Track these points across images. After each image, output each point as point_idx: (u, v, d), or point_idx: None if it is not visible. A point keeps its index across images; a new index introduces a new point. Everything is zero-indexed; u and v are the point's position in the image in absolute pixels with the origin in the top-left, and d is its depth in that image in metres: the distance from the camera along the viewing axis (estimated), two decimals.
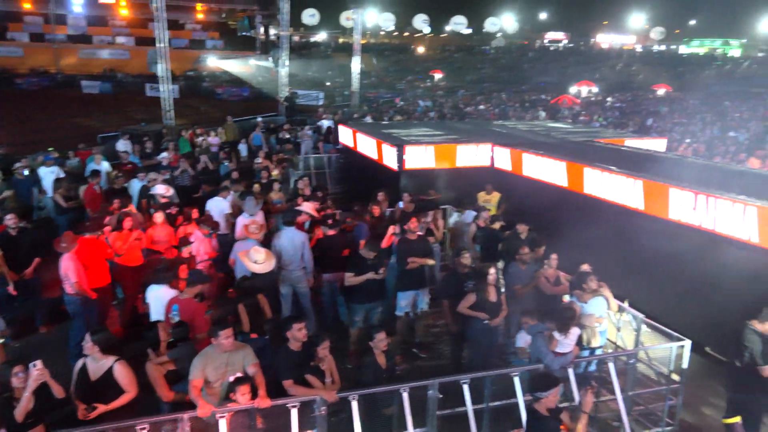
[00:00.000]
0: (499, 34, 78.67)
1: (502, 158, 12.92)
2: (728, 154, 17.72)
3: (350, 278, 7.73)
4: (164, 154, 14.93)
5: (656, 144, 14.88)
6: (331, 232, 8.81)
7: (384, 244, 8.72)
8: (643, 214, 9.08)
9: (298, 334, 5.62)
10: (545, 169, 11.57)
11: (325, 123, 22.72)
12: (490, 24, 76.35)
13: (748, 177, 10.30)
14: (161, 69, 23.37)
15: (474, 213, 10.11)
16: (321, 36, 73.45)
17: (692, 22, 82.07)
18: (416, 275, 8.25)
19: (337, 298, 8.88)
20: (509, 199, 11.74)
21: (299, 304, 8.49)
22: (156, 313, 6.80)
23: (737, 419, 5.77)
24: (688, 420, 6.85)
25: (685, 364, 6.52)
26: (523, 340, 6.62)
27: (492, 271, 7.31)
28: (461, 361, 7.64)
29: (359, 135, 15.80)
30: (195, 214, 9.87)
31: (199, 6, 56.86)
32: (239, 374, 5.29)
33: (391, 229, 8.84)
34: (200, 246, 8.89)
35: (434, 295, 8.79)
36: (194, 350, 5.76)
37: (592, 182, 10.40)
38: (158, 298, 6.84)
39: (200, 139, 19.15)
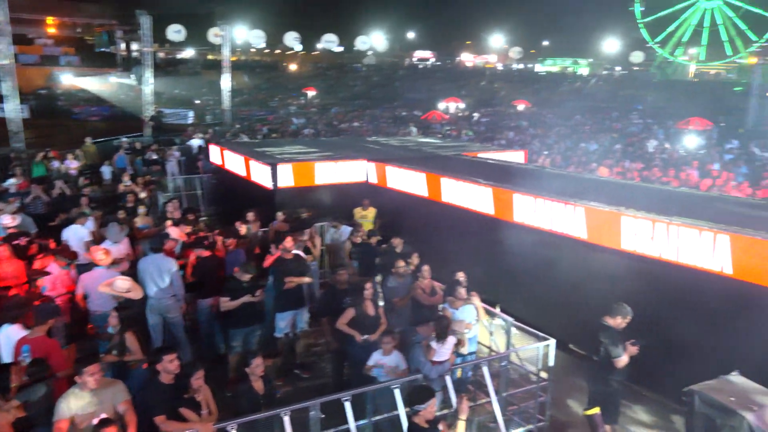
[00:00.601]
0: (370, 52, 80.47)
1: (372, 173, 13.25)
2: (581, 164, 19.30)
3: (226, 303, 7.50)
4: (11, 180, 13.68)
5: (517, 156, 15.91)
6: (205, 253, 8.55)
7: (266, 263, 8.58)
8: (512, 223, 9.64)
9: (169, 366, 5.34)
10: (408, 181, 12.11)
11: (196, 142, 21.98)
12: (361, 42, 77.87)
13: (597, 184, 11.31)
14: (5, 87, 21.41)
15: (350, 229, 10.24)
16: (188, 52, 71.04)
17: (546, 43, 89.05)
18: (294, 295, 8.16)
19: (215, 323, 8.56)
20: (385, 214, 12.02)
21: (171, 334, 8.08)
22: (6, 355, 6.18)
23: (596, 410, 6.22)
24: (557, 415, 7.31)
25: (551, 362, 6.95)
26: (374, 359, 6.57)
27: (369, 285, 7.40)
28: (343, 378, 7.63)
29: (230, 154, 15.46)
30: (51, 244, 9.12)
31: (50, 20, 52.94)
32: (104, 415, 4.92)
33: (274, 250, 8.69)
34: (57, 279, 8.19)
35: (314, 314, 8.76)
36: (49, 391, 5.29)
37: (449, 191, 11.05)
38: (7, 338, 6.22)
39: (54, 163, 17.74)
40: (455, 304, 7.22)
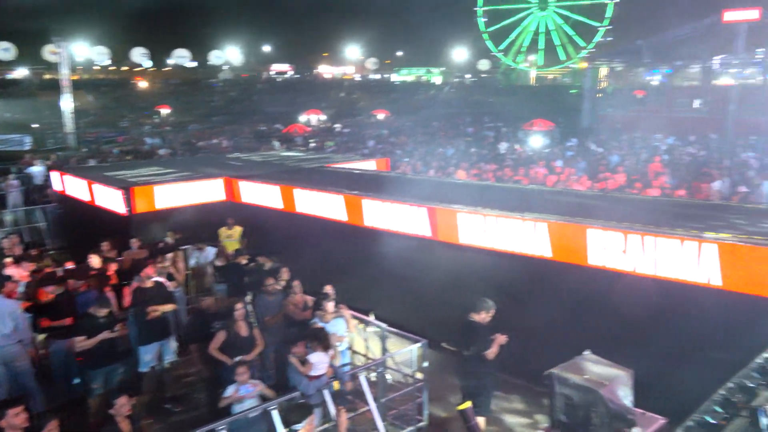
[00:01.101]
0: (225, 67, 78.65)
1: (228, 190, 12.99)
2: (440, 169, 20.15)
3: (81, 342, 6.92)
4: None
5: (380, 164, 16.28)
6: (50, 289, 7.84)
7: (125, 297, 8.03)
8: (375, 230, 9.86)
9: (15, 420, 4.81)
10: (265, 195, 12.05)
11: (37, 170, 20.13)
12: (215, 57, 76.12)
13: (457, 186, 11.87)
14: None
15: (214, 250, 9.91)
16: (21, 72, 65.02)
17: (400, 53, 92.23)
18: (158, 325, 7.72)
19: (72, 365, 7.85)
20: (252, 231, 11.75)
21: (19, 384, 7.29)
22: None
23: (468, 404, 6.47)
24: (436, 413, 7.53)
25: (425, 363, 7.16)
26: (229, 392, 6.28)
27: (239, 306, 7.19)
28: (219, 407, 7.31)
29: (72, 180, 14.33)
30: None
31: None
32: None
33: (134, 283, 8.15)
34: None
35: (182, 342, 8.33)
36: None
37: (304, 202, 11.22)
38: None
39: None
40: (325, 318, 7.22)
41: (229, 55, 76.91)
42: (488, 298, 6.61)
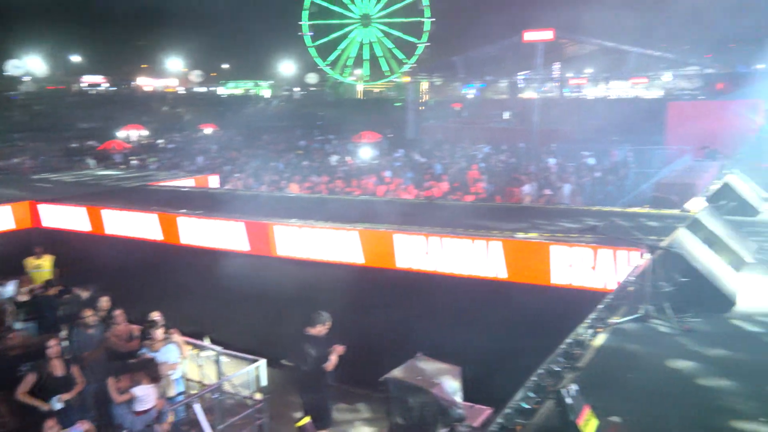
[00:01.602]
0: (26, 78, 70.92)
1: (36, 215, 11.79)
2: (272, 183, 19.93)
3: None
4: None
5: (210, 180, 15.72)
6: None
7: None
8: (208, 250, 9.51)
9: None
10: (70, 219, 11.26)
11: None
12: (13, 67, 68.35)
13: (290, 200, 11.84)
14: None
15: (16, 282, 8.87)
16: None
17: (226, 66, 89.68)
18: None
19: None
20: (67, 259, 10.70)
21: None
22: None
23: (307, 419, 6.48)
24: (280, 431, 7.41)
25: (264, 382, 7.02)
26: None
27: (53, 342, 6.50)
28: None
29: None
30: None
31: None
32: None
33: None
34: None
35: None
36: None
37: (114, 224, 10.70)
38: None
39: None
40: (154, 347, 6.80)
41: (30, 65, 69.48)
42: (323, 310, 6.65)
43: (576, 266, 6.63)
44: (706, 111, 24.23)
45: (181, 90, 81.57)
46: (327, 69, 71.60)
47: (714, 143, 17.76)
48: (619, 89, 51.02)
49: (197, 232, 9.65)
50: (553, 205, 12.35)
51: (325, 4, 67.39)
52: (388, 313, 7.61)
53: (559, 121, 33.13)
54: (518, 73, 41.90)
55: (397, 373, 5.25)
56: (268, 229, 8.84)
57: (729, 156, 15.12)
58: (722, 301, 4.59)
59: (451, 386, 5.16)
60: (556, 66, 42.18)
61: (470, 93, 56.18)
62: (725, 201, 7.93)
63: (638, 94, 48.73)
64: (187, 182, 15.01)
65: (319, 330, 6.53)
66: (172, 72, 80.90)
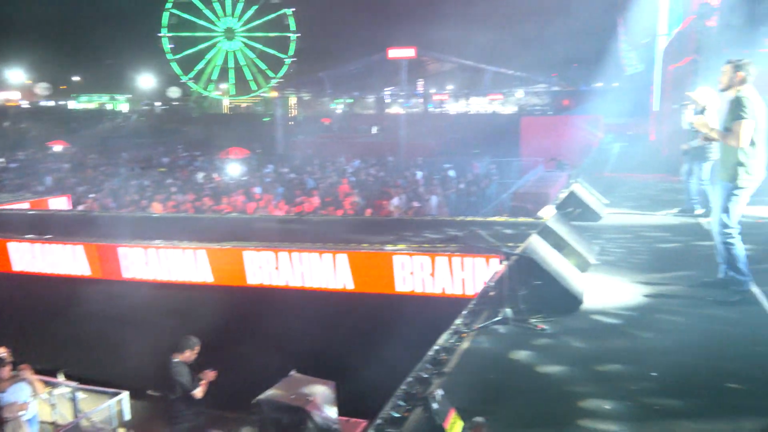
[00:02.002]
0: None
1: None
2: (134, 203, 18.83)
3: None
4: None
5: (59, 202, 14.58)
6: None
7: None
8: (55, 277, 8.82)
9: None
10: None
11: None
12: None
13: (151, 221, 11.26)
14: None
15: None
16: None
17: (77, 78, 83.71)
18: None
19: None
20: None
21: None
22: None
23: None
24: None
25: (127, 416, 6.60)
26: None
27: None
28: None
29: None
30: None
31: None
32: None
33: None
34: None
35: None
36: None
37: None
38: None
39: None
40: (1, 386, 6.16)
41: None
42: (191, 334, 6.41)
43: (437, 275, 6.97)
44: (554, 125, 26.46)
45: (25, 104, 74.95)
46: (190, 83, 69.12)
47: (562, 155, 19.37)
48: (478, 105, 54.21)
49: (35, 257, 8.99)
50: (420, 217, 12.82)
51: (186, 15, 65.16)
52: (254, 333, 7.49)
53: (424, 135, 34.51)
54: (384, 89, 43.14)
55: (270, 393, 5.15)
56: (113, 251, 8.49)
57: (575, 166, 16.55)
58: (571, 300, 5.02)
59: (326, 402, 5.15)
60: (420, 82, 43.97)
61: (339, 108, 56.96)
62: (572, 208, 8.66)
63: (495, 109, 52.08)
64: (21, 206, 13.78)
65: (188, 356, 6.28)
66: (13, 84, 74.10)
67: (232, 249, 7.93)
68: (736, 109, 4.92)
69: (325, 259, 7.43)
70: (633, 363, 4.08)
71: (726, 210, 5.07)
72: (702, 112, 7.89)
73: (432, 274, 6.93)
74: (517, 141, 26.92)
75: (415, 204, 15.74)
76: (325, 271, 7.44)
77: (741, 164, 4.96)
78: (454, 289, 6.92)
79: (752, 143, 4.93)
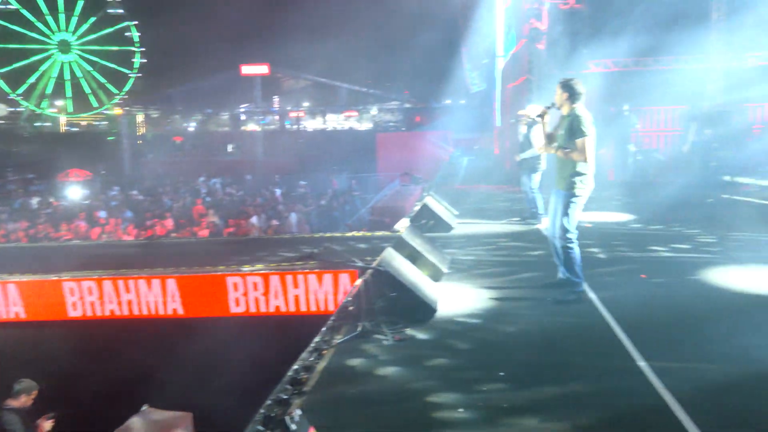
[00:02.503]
0: None
1: None
2: None
3: None
4: None
5: None
6: None
7: None
8: None
9: None
10: None
11: None
12: None
13: None
14: None
15: None
16: None
17: None
18: None
19: None
20: None
21: None
22: None
23: None
24: None
25: None
26: None
27: None
28: None
29: None
30: None
31: None
32: None
33: None
34: None
35: None
36: None
37: None
38: None
39: None
40: None
41: None
42: (26, 377, 5.80)
43: (291, 293, 6.92)
44: (407, 141, 27.53)
45: None
46: (19, 99, 62.78)
47: (416, 169, 20.17)
48: (335, 121, 54.93)
49: None
50: (279, 235, 12.67)
51: (13, 27, 59.30)
52: (93, 371, 6.97)
53: (282, 152, 34.31)
54: (239, 106, 42.31)
55: (121, 431, 4.81)
56: None
57: (428, 180, 17.31)
58: (426, 309, 5.21)
59: None
60: (276, 99, 43.68)
61: (191, 126, 54.82)
62: (425, 220, 9.04)
63: (352, 126, 53.06)
64: None
65: (24, 401, 5.67)
66: None
67: (48, 281, 7.35)
68: (576, 127, 5.34)
69: (154, 285, 7.10)
70: (483, 365, 4.32)
71: (566, 216, 5.47)
72: (532, 126, 8.68)
73: (284, 293, 6.86)
74: (374, 157, 27.64)
75: (274, 222, 15.53)
76: (155, 297, 7.11)
77: (578, 174, 5.42)
78: (312, 307, 6.90)
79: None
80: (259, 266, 7.19)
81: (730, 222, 9.27)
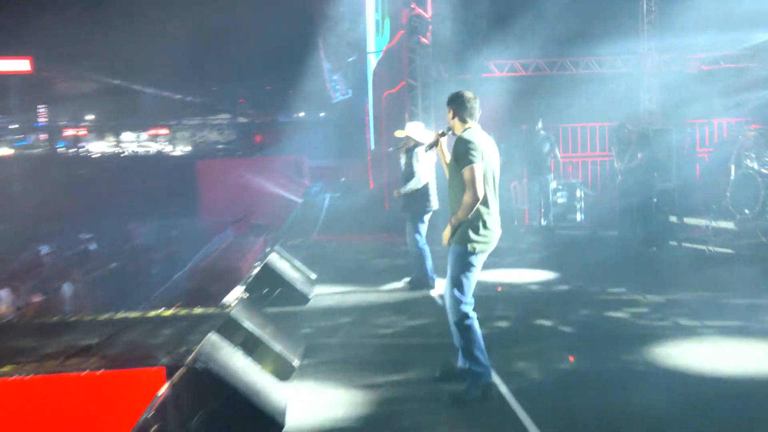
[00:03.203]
0: None
1: None
2: None
3: None
4: None
5: None
6: None
7: None
8: None
9: None
10: None
11: None
12: None
13: None
14: None
15: None
16: None
17: None
18: None
19: None
20: None
21: None
22: None
23: None
24: None
25: None
26: None
27: None
28: None
29: None
30: None
31: None
32: None
33: None
34: None
35: None
36: None
37: None
38: None
39: None
40: None
41: None
42: None
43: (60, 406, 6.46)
44: (243, 171, 27.15)
45: None
46: None
47: (255, 213, 19.92)
48: (134, 143, 53.38)
49: None
50: (41, 319, 11.89)
51: None
52: None
53: (52, 188, 32.72)
54: None
55: None
56: None
57: (273, 228, 17.09)
58: (266, 424, 5.00)
59: None
60: (43, 110, 41.89)
61: None
62: (268, 288, 8.87)
63: (161, 149, 51.82)
64: None
65: None
66: None
67: None
68: (462, 153, 5.49)
69: None
70: None
71: (457, 281, 5.57)
72: (413, 151, 8.87)
73: (48, 409, 6.35)
74: (194, 194, 27.02)
75: (37, 298, 14.65)
76: None
77: (473, 221, 5.52)
78: (91, 427, 6.44)
79: (484, 198, 5.49)
80: (6, 369, 6.62)
81: (680, 278, 9.92)
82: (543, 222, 14.87)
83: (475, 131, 5.64)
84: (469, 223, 5.51)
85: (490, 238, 5.60)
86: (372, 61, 22.21)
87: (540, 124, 14.93)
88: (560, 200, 15.54)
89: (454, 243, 5.60)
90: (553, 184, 15.10)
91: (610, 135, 15.36)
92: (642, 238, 12.59)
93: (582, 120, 16.57)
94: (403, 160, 9.46)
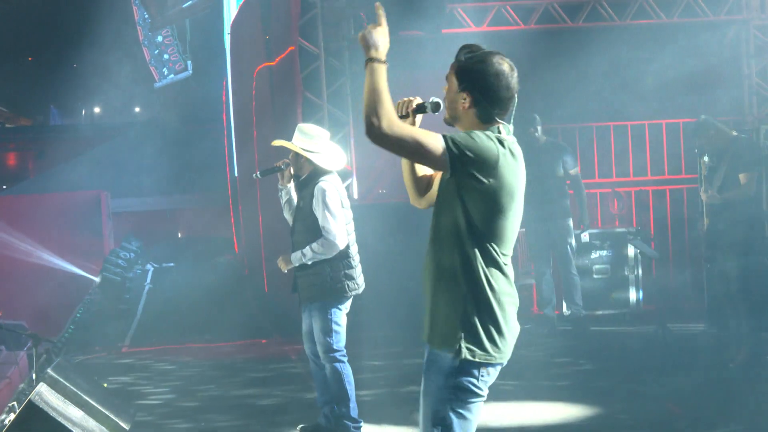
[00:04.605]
0: None
1: None
2: None
3: None
4: None
5: None
6: None
7: None
8: None
9: None
10: None
11: None
12: None
13: None
14: None
15: None
16: None
17: None
18: None
19: None
20: None
21: None
22: None
23: None
24: None
25: None
26: None
27: None
28: None
29: None
30: None
31: None
32: None
33: None
34: None
35: None
36: None
37: None
38: None
39: None
40: None
41: None
42: None
43: None
44: None
45: None
46: None
47: (15, 304, 12.71)
48: None
49: None
50: None
51: None
52: None
53: None
54: None
55: None
56: None
57: (44, 338, 10.88)
58: None
59: None
60: None
61: None
62: None
63: None
64: None
65: None
66: None
67: None
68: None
69: None
70: None
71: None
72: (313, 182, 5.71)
73: None
74: None
75: None
76: None
77: (478, 311, 3.38)
78: None
79: (497, 264, 3.18)
80: None
81: None
82: (566, 310, 10.01)
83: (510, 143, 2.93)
84: (467, 315, 3.11)
85: (507, 342, 3.17)
86: (231, 7, 15.34)
87: (539, 126, 9.58)
88: (597, 267, 10.28)
89: (436, 348, 3.33)
90: (584, 236, 10.13)
91: (686, 141, 10.15)
92: (750, 336, 8.18)
93: (624, 116, 10.93)
94: (293, 200, 5.99)
